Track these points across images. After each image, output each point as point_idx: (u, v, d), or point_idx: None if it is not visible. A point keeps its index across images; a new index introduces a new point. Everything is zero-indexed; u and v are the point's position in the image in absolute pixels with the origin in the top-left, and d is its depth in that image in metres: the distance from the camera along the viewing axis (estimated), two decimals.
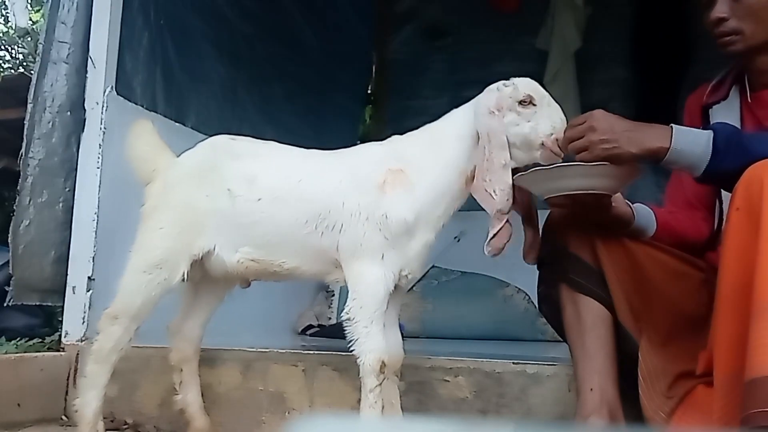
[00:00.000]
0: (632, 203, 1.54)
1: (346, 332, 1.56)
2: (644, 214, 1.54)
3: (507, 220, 1.53)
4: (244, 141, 1.80)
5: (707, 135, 1.30)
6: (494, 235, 1.52)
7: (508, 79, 1.59)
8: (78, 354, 2.13)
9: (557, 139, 1.49)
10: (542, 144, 1.51)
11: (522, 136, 1.53)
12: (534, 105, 1.54)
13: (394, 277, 1.58)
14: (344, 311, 1.57)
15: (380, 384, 1.55)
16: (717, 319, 1.19)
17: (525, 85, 1.57)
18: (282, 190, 1.66)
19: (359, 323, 1.55)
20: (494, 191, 1.50)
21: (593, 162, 1.35)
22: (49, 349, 2.21)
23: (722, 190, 1.54)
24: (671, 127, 1.32)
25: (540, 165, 1.48)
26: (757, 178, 1.14)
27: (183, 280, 1.71)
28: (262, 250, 1.67)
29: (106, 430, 1.79)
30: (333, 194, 1.61)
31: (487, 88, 1.62)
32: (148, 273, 1.69)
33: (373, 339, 1.55)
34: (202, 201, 1.70)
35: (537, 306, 1.73)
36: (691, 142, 1.30)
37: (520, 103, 1.54)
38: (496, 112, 1.55)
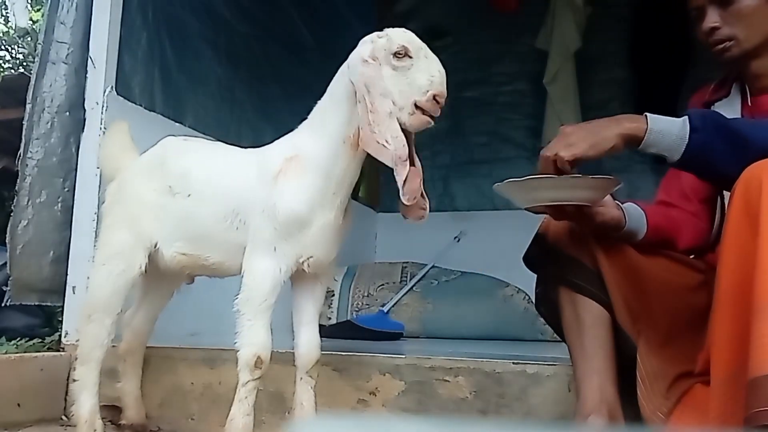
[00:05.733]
0: (623, 203, 1.52)
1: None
2: (635, 217, 1.50)
3: (411, 164, 1.44)
4: (194, 141, 1.87)
5: (683, 118, 1.30)
6: (405, 181, 1.42)
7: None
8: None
9: (434, 96, 1.42)
10: (414, 104, 1.42)
11: (397, 92, 1.44)
12: (410, 57, 1.45)
13: (287, 269, 1.56)
14: (234, 303, 1.57)
15: (255, 380, 1.55)
16: (715, 319, 1.19)
17: (399, 36, 1.47)
18: (206, 187, 1.69)
19: (244, 316, 1.55)
20: (386, 141, 1.42)
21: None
22: (49, 349, 2.20)
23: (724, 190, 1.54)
24: (645, 114, 1.32)
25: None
26: (755, 178, 1.14)
27: (144, 271, 1.75)
28: (191, 244, 1.71)
29: (107, 428, 1.79)
30: (243, 189, 1.62)
31: (361, 41, 1.54)
32: (107, 265, 1.75)
33: (254, 333, 1.54)
34: (150, 195, 1.75)
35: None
36: (666, 124, 1.29)
37: (395, 55, 1.44)
38: (372, 60, 1.46)
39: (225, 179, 1.68)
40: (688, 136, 1.27)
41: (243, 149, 1.77)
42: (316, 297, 1.70)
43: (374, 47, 1.48)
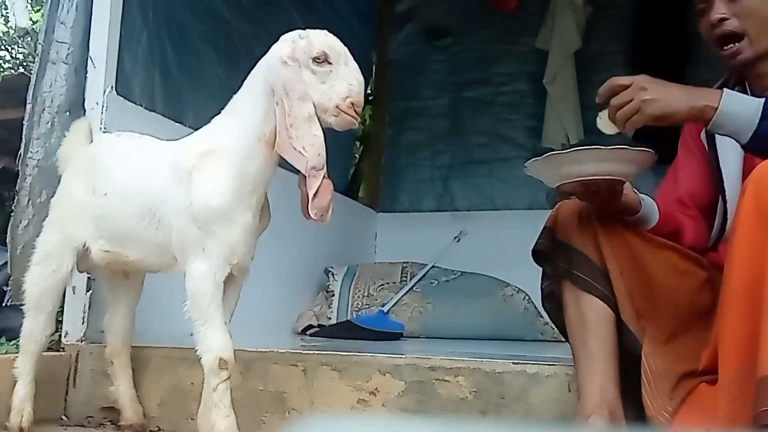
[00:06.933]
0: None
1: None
2: (649, 203, 1.52)
3: (324, 176, 1.43)
4: (125, 136, 1.87)
5: (759, 101, 1.27)
6: (315, 194, 1.41)
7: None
8: (78, 354, 2.13)
9: (353, 103, 1.43)
10: (337, 107, 1.44)
11: (318, 96, 1.44)
12: (329, 63, 1.44)
13: (220, 268, 1.54)
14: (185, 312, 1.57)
15: (224, 381, 1.54)
16: (723, 317, 1.18)
17: (320, 41, 1.46)
18: (122, 185, 1.70)
19: (196, 322, 1.55)
20: (303, 148, 1.41)
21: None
22: (49, 349, 2.20)
23: (726, 191, 1.54)
24: (723, 90, 1.30)
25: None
26: (766, 177, 1.14)
27: (79, 271, 1.84)
28: (111, 242, 1.73)
29: (107, 429, 1.79)
30: (157, 188, 1.61)
31: (281, 38, 1.51)
32: (39, 265, 1.81)
33: (210, 337, 1.54)
34: (81, 194, 1.78)
35: (538, 305, 1.72)
36: (739, 106, 1.27)
37: (314, 60, 1.44)
38: (290, 62, 1.45)
39: (140, 177, 1.68)
40: (757, 123, 1.24)
41: (165, 143, 1.76)
42: (232, 300, 1.68)
43: (294, 48, 1.47)
